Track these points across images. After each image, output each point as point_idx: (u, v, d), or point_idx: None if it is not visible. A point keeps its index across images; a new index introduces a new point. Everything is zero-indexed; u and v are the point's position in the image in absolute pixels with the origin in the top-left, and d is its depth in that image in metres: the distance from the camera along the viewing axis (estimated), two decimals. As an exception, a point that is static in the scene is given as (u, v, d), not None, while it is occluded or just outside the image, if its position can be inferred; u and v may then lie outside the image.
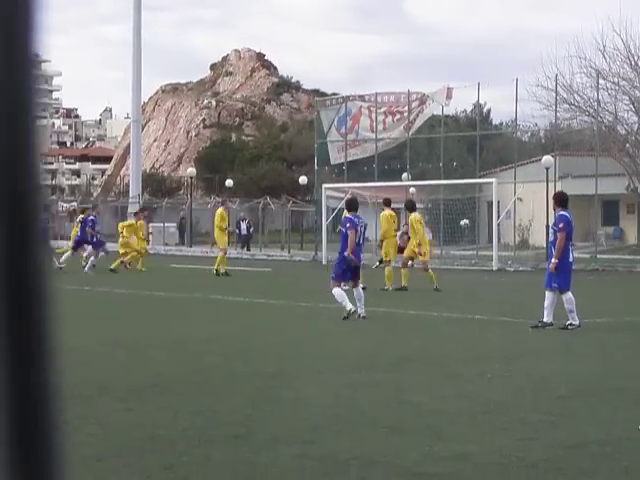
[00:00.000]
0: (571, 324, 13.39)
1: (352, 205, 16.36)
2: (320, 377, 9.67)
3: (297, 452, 6.50)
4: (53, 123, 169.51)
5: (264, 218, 49.16)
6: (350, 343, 12.34)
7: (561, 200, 13.91)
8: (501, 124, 64.05)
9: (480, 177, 40.60)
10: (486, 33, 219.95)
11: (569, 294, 13.39)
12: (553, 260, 13.46)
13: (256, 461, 6.27)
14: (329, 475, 5.99)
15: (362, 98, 41.56)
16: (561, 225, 13.46)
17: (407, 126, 39.69)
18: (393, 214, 22.98)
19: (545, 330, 13.50)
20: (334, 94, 68.02)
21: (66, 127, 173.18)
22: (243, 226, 45.81)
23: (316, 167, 42.61)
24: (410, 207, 22.77)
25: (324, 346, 12.08)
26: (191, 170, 56.01)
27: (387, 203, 23.24)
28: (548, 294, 13.54)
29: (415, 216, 22.29)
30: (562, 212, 13.73)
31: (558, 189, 37.68)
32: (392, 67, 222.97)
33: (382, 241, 22.74)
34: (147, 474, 5.94)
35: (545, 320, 13.56)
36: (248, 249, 44.37)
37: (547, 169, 35.60)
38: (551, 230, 14.02)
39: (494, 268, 31.34)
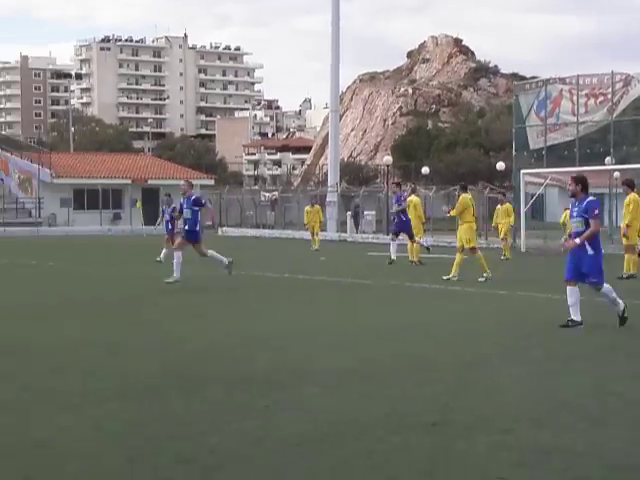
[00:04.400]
0: None
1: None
2: (516, 366, 9.52)
3: (494, 441, 6.43)
4: (255, 115, 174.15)
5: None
6: (556, 331, 12.06)
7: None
8: None
9: (689, 159, 38.70)
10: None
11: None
12: None
13: (453, 449, 6.25)
14: (528, 465, 5.90)
15: (563, 81, 40.49)
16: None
17: (610, 108, 38.37)
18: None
19: None
20: (533, 77, 66.62)
21: (267, 118, 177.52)
22: None
23: (514, 152, 41.85)
24: (631, 185, 21.71)
25: (525, 335, 11.86)
26: (387, 158, 56.20)
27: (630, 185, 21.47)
28: None
29: (635, 195, 21.25)
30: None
31: None
32: (594, 48, 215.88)
33: (627, 226, 21.50)
34: (346, 459, 6.03)
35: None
36: None
37: None
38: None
39: None
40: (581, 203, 12.45)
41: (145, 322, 13.33)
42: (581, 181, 12.66)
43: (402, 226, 26.18)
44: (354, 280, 20.58)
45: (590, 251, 12.24)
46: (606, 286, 12.31)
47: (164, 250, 26.13)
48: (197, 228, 18.92)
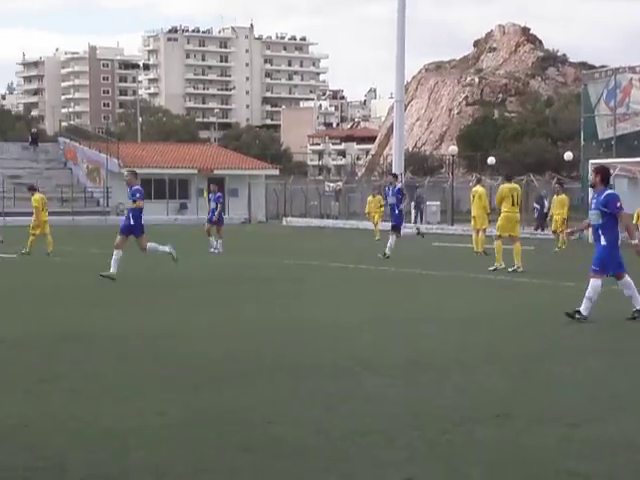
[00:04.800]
0: None
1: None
2: (582, 358, 9.40)
3: (561, 434, 6.35)
4: (320, 105, 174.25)
5: (528, 195, 48.06)
6: (622, 323, 11.87)
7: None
8: None
9: None
10: None
11: None
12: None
13: (519, 441, 6.18)
14: (596, 459, 5.81)
15: (633, 70, 39.82)
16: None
17: (682, 97, 37.66)
18: None
19: None
20: (602, 66, 65.50)
21: (332, 108, 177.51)
22: (545, 203, 42.77)
23: (582, 142, 41.33)
24: None
25: (590, 328, 11.70)
26: (453, 148, 55.78)
27: None
28: None
29: None
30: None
31: None
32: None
33: None
34: (410, 451, 6.00)
35: None
36: (543, 229, 41.25)
37: None
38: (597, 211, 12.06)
39: None
40: (599, 195, 12.11)
41: (209, 308, 13.42)
42: (601, 171, 12.27)
43: (397, 219, 25.00)
44: (418, 271, 20.50)
45: (603, 242, 12.03)
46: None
47: (219, 240, 27.44)
48: (140, 221, 17.91)
